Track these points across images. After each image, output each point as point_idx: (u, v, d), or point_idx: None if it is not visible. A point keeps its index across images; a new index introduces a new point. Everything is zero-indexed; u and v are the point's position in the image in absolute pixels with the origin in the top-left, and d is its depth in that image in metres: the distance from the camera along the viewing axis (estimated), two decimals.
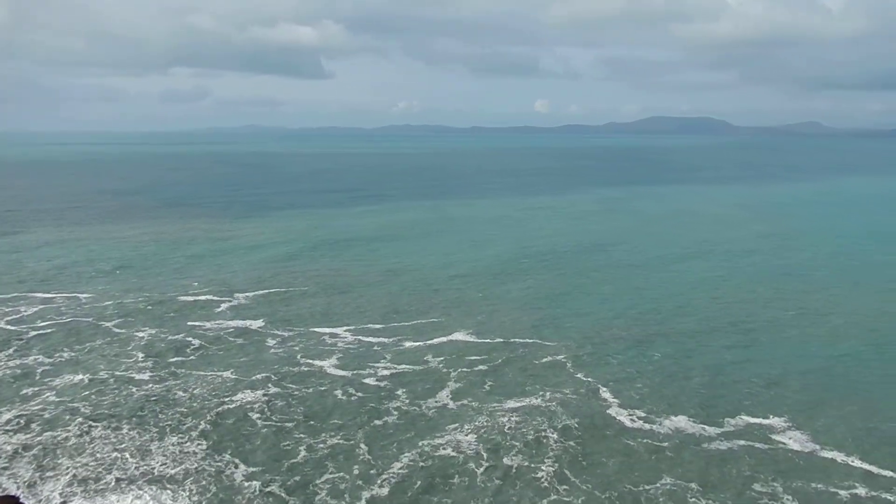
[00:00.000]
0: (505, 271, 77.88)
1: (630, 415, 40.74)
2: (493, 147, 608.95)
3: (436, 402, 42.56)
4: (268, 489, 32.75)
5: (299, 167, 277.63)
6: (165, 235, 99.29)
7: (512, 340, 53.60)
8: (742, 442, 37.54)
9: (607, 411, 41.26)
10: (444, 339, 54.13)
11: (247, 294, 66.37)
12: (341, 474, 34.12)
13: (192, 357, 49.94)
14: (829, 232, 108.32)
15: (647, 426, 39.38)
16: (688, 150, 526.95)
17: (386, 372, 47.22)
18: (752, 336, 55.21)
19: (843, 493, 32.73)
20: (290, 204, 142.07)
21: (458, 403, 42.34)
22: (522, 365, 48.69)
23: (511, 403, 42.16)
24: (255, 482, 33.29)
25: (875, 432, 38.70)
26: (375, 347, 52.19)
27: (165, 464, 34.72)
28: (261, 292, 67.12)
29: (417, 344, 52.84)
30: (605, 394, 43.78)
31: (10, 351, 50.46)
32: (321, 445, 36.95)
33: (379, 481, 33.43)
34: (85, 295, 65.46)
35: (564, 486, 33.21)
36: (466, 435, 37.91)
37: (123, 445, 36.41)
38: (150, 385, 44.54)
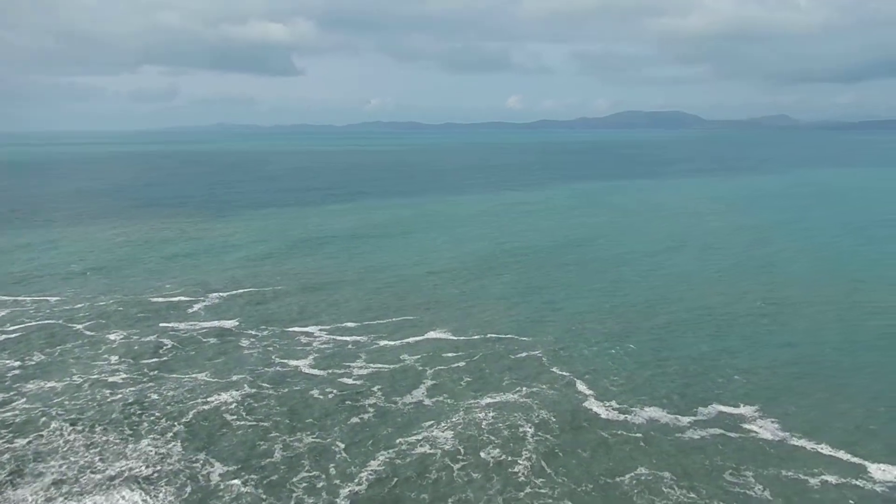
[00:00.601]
0: (481, 268, 78.12)
1: (606, 406, 41.19)
2: (466, 142, 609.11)
3: (412, 399, 42.64)
4: (245, 489, 32.62)
5: (273, 165, 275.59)
6: (138, 236, 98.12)
7: (489, 336, 53.82)
8: (715, 431, 38.13)
9: (583, 404, 41.66)
10: (420, 336, 54.18)
11: (221, 294, 65.86)
12: (318, 472, 34.10)
13: (165, 358, 49.46)
14: (801, 224, 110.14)
15: (622, 417, 39.87)
16: (660, 144, 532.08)
17: (362, 371, 47.17)
18: (725, 328, 56.01)
19: (812, 480, 33.36)
20: (264, 203, 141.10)
21: (434, 400, 42.46)
22: (499, 361, 48.94)
23: (488, 399, 42.37)
24: (231, 482, 33.16)
25: (844, 419, 39.53)
26: (351, 346, 52.09)
27: (141, 466, 34.38)
28: (235, 292, 66.65)
29: (394, 342, 52.82)
30: (581, 387, 44.20)
31: None
32: (297, 444, 36.87)
33: (356, 479, 33.45)
34: (56, 297, 64.52)
35: (541, 479, 33.50)
36: (443, 431, 38.03)
37: (98, 449, 36.00)
38: (124, 388, 44.04)
